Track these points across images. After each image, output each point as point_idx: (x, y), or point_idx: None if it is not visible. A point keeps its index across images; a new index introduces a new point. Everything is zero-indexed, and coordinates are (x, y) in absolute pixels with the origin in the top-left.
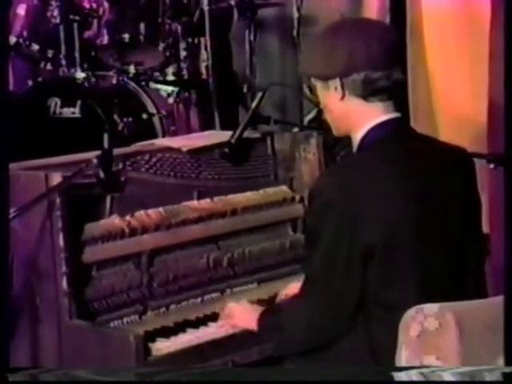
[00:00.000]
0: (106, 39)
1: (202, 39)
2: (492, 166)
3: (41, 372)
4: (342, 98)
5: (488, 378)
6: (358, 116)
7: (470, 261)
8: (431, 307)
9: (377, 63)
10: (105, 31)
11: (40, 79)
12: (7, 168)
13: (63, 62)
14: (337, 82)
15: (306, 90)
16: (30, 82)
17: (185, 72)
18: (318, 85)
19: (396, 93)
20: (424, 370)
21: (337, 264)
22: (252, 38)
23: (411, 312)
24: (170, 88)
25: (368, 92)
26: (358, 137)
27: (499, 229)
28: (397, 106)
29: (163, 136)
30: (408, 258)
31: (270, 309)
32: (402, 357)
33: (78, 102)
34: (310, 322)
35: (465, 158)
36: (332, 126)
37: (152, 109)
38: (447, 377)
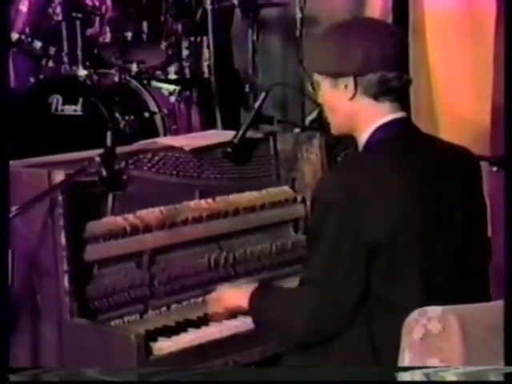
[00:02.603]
0: (108, 37)
1: (205, 38)
2: (495, 168)
3: (42, 372)
4: (353, 97)
5: (489, 378)
6: (365, 116)
7: (473, 263)
8: (435, 310)
9: (391, 63)
10: (107, 29)
11: (42, 76)
12: (8, 165)
13: (65, 59)
14: (349, 81)
15: (309, 87)
16: (32, 79)
17: (187, 71)
18: (325, 82)
19: (403, 94)
20: (425, 370)
21: (340, 263)
22: (255, 37)
23: (414, 314)
24: (171, 87)
25: (381, 92)
26: (363, 136)
27: (501, 232)
28: (402, 106)
29: (164, 135)
30: (411, 257)
31: (263, 295)
32: (405, 359)
33: (80, 100)
34: (311, 320)
35: (470, 159)
36: (332, 125)
37: (154, 107)
38: (449, 377)
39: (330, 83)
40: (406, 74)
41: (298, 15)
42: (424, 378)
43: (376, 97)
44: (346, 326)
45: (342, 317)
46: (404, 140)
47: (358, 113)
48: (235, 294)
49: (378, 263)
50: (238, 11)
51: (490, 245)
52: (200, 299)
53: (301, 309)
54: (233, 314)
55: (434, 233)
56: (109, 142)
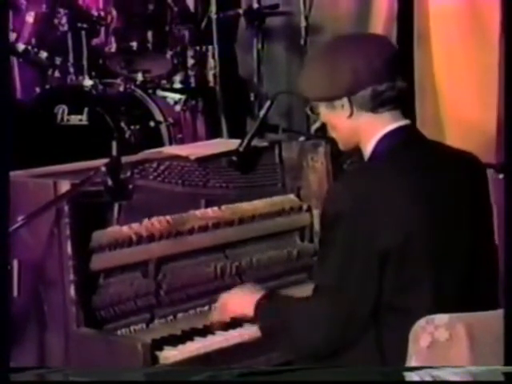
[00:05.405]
0: (113, 47)
1: (210, 47)
2: (501, 175)
3: (43, 372)
4: (351, 115)
5: (489, 378)
6: (367, 129)
7: (482, 269)
8: (442, 318)
9: (381, 76)
10: (113, 39)
11: (48, 86)
12: (7, 175)
13: (71, 69)
14: (344, 101)
15: (308, 111)
16: (38, 90)
17: (192, 80)
18: (323, 106)
19: (402, 101)
20: (426, 370)
21: (352, 272)
22: (260, 46)
23: (421, 322)
24: (177, 96)
25: (376, 105)
26: (368, 148)
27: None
28: (404, 114)
29: (170, 144)
30: (421, 264)
31: (271, 302)
32: None
33: (86, 110)
34: (326, 328)
35: (475, 164)
36: (339, 143)
37: (159, 116)
38: (449, 377)
39: (326, 106)
40: (401, 80)
41: (303, 24)
42: (425, 378)
43: (373, 110)
44: (358, 333)
45: (357, 326)
46: (409, 147)
47: (359, 128)
48: (240, 302)
49: (389, 270)
50: (242, 20)
51: (497, 251)
52: (206, 308)
53: (315, 321)
54: (237, 322)
55: (443, 239)
56: (114, 152)
